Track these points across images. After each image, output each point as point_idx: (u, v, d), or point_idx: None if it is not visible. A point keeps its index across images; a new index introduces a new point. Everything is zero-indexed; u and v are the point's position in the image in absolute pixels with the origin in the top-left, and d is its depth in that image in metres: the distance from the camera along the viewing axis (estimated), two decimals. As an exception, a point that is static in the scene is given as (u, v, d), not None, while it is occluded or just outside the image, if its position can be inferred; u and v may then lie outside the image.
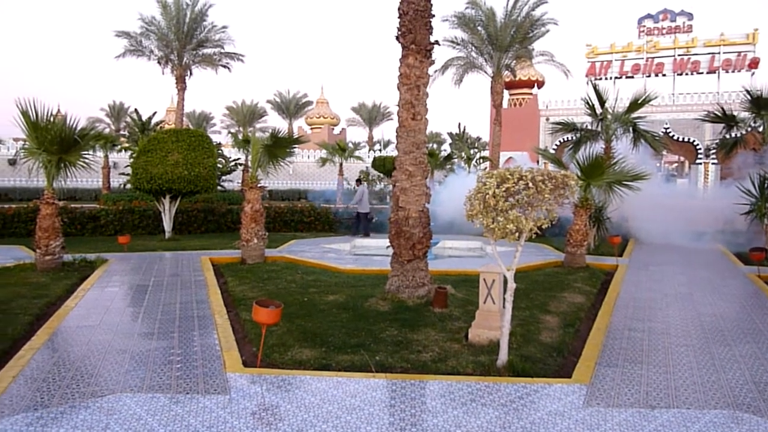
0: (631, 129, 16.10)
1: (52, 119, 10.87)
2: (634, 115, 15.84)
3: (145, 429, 4.11)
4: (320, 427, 4.18)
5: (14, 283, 9.49)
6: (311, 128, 67.70)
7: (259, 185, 12.66)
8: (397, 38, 8.51)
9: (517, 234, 5.38)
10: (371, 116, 69.44)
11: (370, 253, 14.67)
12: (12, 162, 33.42)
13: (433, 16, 8.50)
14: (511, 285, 5.65)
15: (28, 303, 8.01)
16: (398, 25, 8.49)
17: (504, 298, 5.87)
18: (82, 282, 9.66)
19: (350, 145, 43.32)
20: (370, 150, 51.04)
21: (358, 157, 40.80)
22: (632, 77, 39.55)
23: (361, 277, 10.47)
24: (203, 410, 4.45)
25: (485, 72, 30.16)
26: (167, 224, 16.54)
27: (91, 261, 11.52)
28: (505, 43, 28.65)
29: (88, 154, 12.17)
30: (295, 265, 11.97)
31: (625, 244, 15.06)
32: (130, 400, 4.64)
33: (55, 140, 10.73)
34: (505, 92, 42.38)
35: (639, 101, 15.49)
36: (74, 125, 11.10)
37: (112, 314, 7.51)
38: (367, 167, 39.51)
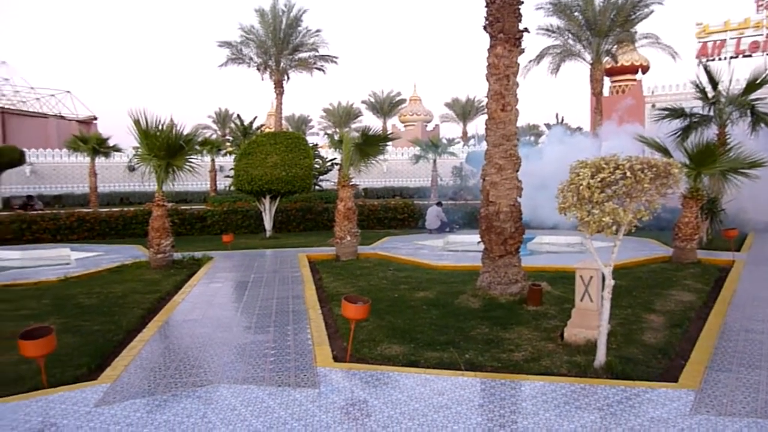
0: (748, 112, 14.75)
1: (160, 127, 11.66)
2: (753, 96, 14.49)
3: (239, 419, 4.27)
4: (407, 425, 4.15)
5: (130, 279, 10.30)
6: (405, 126, 67.94)
7: (351, 183, 12.86)
8: (485, 28, 8.30)
9: (614, 228, 5.06)
10: (465, 111, 68.48)
11: (464, 248, 14.48)
12: (131, 168, 36.17)
13: (522, 2, 8.21)
14: (609, 282, 5.34)
15: (141, 298, 8.66)
16: (485, 14, 8.29)
17: (602, 296, 5.55)
18: (189, 278, 10.28)
19: (444, 141, 42.81)
20: (464, 145, 50.38)
21: (452, 153, 40.35)
22: (750, 56, 36.29)
23: (452, 273, 10.35)
24: (293, 403, 4.56)
25: (584, 59, 28.84)
26: (268, 223, 17.25)
27: (197, 259, 12.24)
28: (605, 28, 27.26)
29: (194, 158, 12.96)
30: (387, 261, 12.05)
31: (744, 238, 13.82)
32: (227, 390, 4.84)
33: (163, 146, 11.52)
34: (606, 79, 40.31)
35: (758, 81, 14.15)
36: (180, 132, 11.86)
37: (215, 308, 7.91)
38: (461, 163, 38.94)
